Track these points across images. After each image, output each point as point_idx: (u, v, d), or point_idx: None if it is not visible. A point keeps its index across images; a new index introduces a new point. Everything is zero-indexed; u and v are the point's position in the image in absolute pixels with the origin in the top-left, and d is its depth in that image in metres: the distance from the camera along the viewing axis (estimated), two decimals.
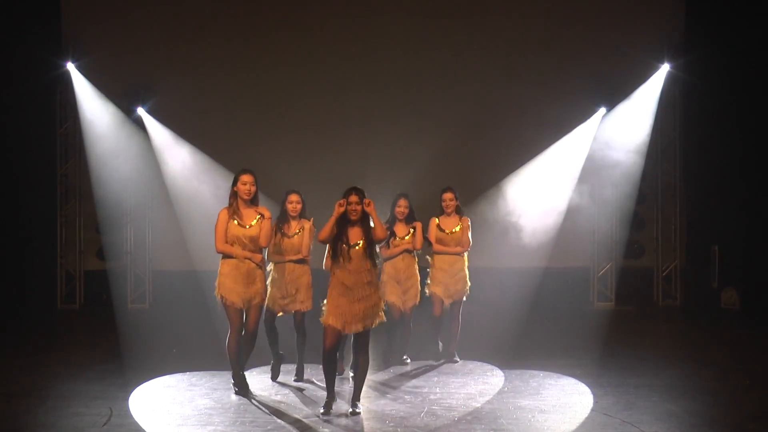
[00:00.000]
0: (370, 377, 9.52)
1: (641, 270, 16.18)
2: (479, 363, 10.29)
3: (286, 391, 8.89)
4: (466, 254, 10.35)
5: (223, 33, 15.51)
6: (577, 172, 15.40)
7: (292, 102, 15.48)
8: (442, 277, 10.17)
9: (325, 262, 8.08)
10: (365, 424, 7.70)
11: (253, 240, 8.59)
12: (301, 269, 9.27)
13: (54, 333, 13.41)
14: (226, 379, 9.38)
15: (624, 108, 15.44)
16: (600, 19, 15.51)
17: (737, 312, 14.67)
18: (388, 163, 14.94)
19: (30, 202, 15.24)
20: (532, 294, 14.43)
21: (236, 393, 8.65)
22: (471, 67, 15.62)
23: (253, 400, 8.46)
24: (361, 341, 8.00)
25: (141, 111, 15.35)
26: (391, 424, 7.61)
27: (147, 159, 15.41)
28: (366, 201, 7.72)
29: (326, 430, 7.44)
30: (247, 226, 8.60)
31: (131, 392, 8.79)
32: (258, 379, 9.42)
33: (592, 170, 15.41)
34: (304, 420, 7.75)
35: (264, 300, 8.81)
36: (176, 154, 15.41)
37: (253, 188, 8.66)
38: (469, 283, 10.32)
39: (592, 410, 8.07)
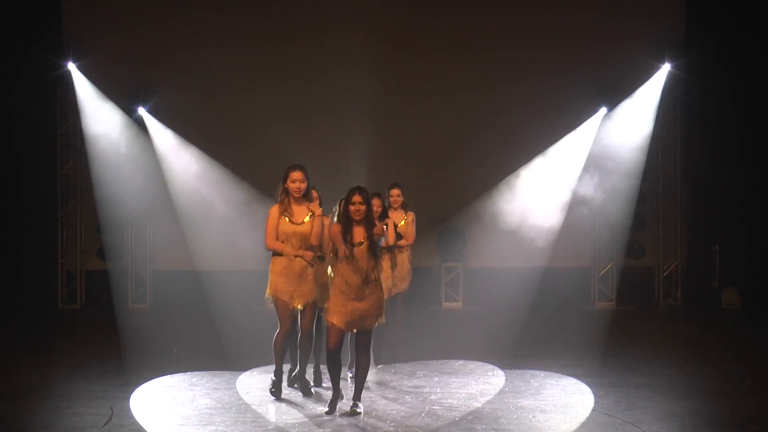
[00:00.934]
0: (370, 377, 9.52)
1: (642, 270, 16.17)
2: (480, 363, 10.28)
3: (287, 391, 8.88)
4: (409, 248, 10.36)
5: (224, 33, 15.49)
6: (578, 172, 15.40)
7: (293, 101, 15.46)
8: (385, 269, 10.04)
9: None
10: (366, 423, 7.69)
11: (304, 237, 8.43)
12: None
13: (55, 333, 13.40)
14: (226, 379, 9.40)
15: (625, 108, 15.43)
16: (600, 20, 15.50)
17: (738, 312, 14.66)
18: (390, 162, 14.93)
19: (31, 202, 15.24)
20: (533, 294, 14.42)
21: (272, 392, 8.55)
22: (471, 67, 15.62)
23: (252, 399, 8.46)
24: (363, 340, 7.99)
25: (142, 111, 15.35)
26: (392, 424, 7.60)
27: (148, 159, 15.41)
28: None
29: (327, 430, 7.43)
30: (299, 223, 8.47)
31: (132, 392, 8.78)
32: (258, 379, 9.41)
33: (593, 170, 15.40)
34: (305, 420, 7.74)
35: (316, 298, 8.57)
36: (177, 155, 15.41)
37: (303, 185, 8.45)
38: (410, 279, 10.24)
39: (593, 410, 8.06)
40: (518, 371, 9.76)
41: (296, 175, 8.47)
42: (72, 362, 10.37)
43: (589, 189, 15.44)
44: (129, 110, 15.36)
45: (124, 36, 15.33)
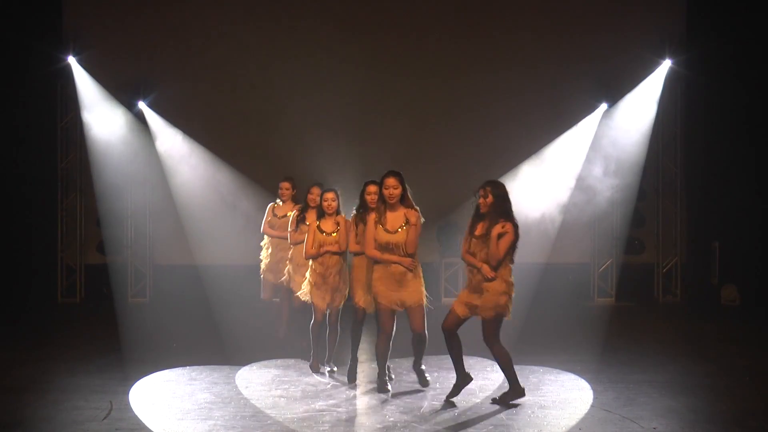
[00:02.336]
0: (370, 373, 9.54)
1: (642, 266, 16.16)
2: (479, 359, 10.28)
3: (287, 386, 8.90)
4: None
5: (225, 26, 15.48)
6: (578, 168, 15.39)
7: (293, 96, 15.44)
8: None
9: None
10: (364, 419, 7.71)
11: (399, 245, 8.43)
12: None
13: (54, 327, 13.39)
14: (226, 373, 9.41)
15: (625, 104, 15.41)
16: (601, 16, 15.47)
17: (737, 308, 14.66)
18: (389, 160, 14.91)
19: (30, 196, 15.23)
20: (533, 290, 14.39)
21: (381, 388, 8.65)
22: (471, 62, 15.61)
23: (253, 395, 8.47)
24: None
25: (142, 105, 15.33)
26: (391, 419, 7.62)
27: (148, 153, 15.40)
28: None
29: (326, 423, 7.45)
30: (393, 232, 8.44)
31: (131, 386, 8.80)
32: (258, 374, 9.43)
33: (592, 166, 15.40)
34: (304, 415, 7.75)
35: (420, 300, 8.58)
36: (177, 149, 15.40)
37: (396, 191, 8.42)
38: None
39: (592, 406, 8.08)
40: (517, 367, 9.69)
41: (390, 181, 8.48)
42: (71, 356, 10.38)
43: (588, 185, 15.43)
44: (129, 104, 15.34)
45: (124, 30, 15.32)
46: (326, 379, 9.22)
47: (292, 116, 15.49)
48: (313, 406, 8.08)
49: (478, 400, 8.32)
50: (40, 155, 15.47)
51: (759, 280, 14.32)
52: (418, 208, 8.53)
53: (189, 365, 9.81)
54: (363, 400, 8.43)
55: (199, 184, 15.02)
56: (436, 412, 7.88)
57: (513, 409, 7.97)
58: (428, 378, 8.95)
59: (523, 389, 8.16)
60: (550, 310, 14.27)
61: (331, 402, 8.23)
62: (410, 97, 15.48)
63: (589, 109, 15.45)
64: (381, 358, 8.66)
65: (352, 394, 8.64)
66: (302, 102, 15.41)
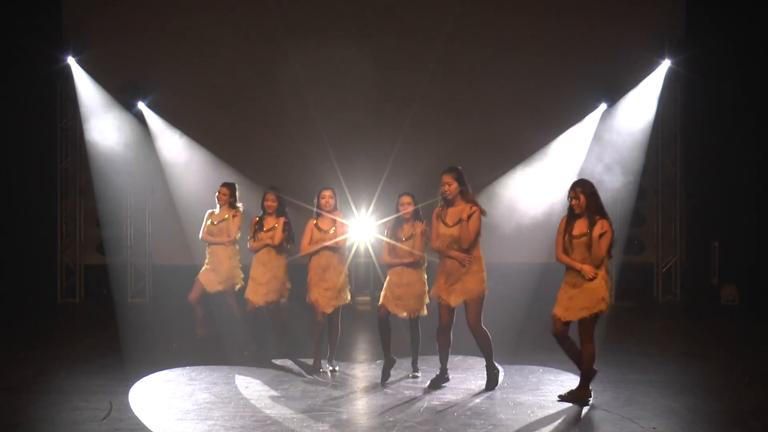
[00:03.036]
0: (369, 373, 9.55)
1: (641, 266, 16.17)
2: (479, 358, 10.27)
3: (286, 385, 8.90)
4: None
5: (224, 25, 15.48)
6: (578, 167, 15.40)
7: (294, 97, 15.45)
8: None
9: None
10: (363, 419, 7.71)
11: (456, 240, 8.59)
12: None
13: (54, 327, 13.41)
14: (225, 373, 9.42)
15: (625, 104, 15.43)
16: (601, 15, 15.50)
17: (737, 308, 14.67)
18: (387, 159, 14.92)
19: (30, 197, 15.25)
20: (533, 289, 14.39)
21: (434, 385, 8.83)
22: (470, 63, 15.63)
23: (252, 395, 8.48)
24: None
25: (141, 105, 15.34)
26: (390, 418, 7.62)
27: (147, 153, 15.41)
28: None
29: (325, 423, 7.45)
30: (451, 226, 8.62)
31: (131, 386, 8.80)
32: (259, 373, 9.43)
33: (592, 165, 15.41)
34: (303, 414, 7.76)
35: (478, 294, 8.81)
36: (176, 149, 15.42)
37: (451, 187, 8.64)
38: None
39: (592, 406, 8.08)
40: (517, 367, 9.78)
41: (445, 178, 8.72)
42: (71, 356, 10.39)
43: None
44: (129, 105, 15.36)
45: (124, 30, 15.34)
46: (326, 379, 9.22)
47: (292, 116, 15.50)
48: (312, 405, 8.08)
49: (478, 400, 8.33)
50: (39, 156, 15.48)
51: (759, 280, 14.31)
52: (476, 203, 8.66)
53: (188, 365, 9.82)
54: (363, 399, 8.44)
55: (198, 184, 15.02)
56: (436, 411, 7.88)
57: (513, 408, 7.98)
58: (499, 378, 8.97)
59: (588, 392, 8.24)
60: (550, 310, 14.23)
61: (331, 402, 8.23)
62: (411, 97, 15.46)
63: (589, 108, 15.47)
64: (441, 352, 8.93)
65: (352, 394, 8.65)
66: (304, 102, 15.40)
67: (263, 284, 10.06)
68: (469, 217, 8.51)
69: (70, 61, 15.10)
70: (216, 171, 15.20)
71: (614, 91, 15.41)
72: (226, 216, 10.69)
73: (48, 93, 15.60)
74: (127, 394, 8.49)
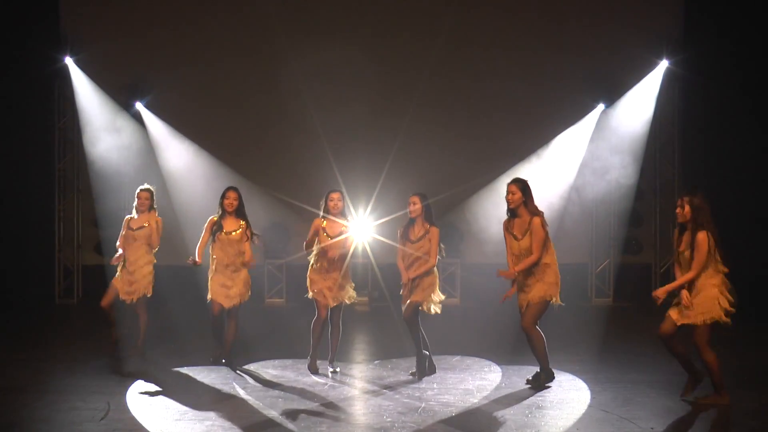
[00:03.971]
0: (367, 373, 9.55)
1: (639, 266, 16.16)
2: (477, 359, 10.31)
3: (284, 386, 8.90)
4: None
5: (222, 27, 15.47)
6: (576, 168, 15.41)
7: (292, 97, 15.44)
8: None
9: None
10: (362, 419, 7.71)
11: (527, 250, 8.80)
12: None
13: (52, 327, 13.40)
14: (223, 374, 9.42)
15: (622, 104, 15.44)
16: (599, 16, 15.49)
17: (734, 308, 14.62)
18: (385, 157, 14.93)
19: (28, 197, 15.22)
20: None
21: None
22: (468, 63, 15.64)
23: (250, 395, 8.47)
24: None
25: (139, 106, 15.34)
26: (389, 419, 7.62)
27: (145, 154, 15.40)
28: None
29: (324, 424, 7.45)
30: (521, 237, 8.83)
31: (129, 387, 8.80)
32: (255, 375, 9.43)
33: (590, 166, 15.42)
34: (302, 415, 7.75)
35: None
36: (174, 149, 15.41)
37: (515, 197, 8.79)
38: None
39: (590, 406, 8.09)
40: (515, 367, 9.78)
41: (510, 187, 8.86)
42: (69, 357, 10.38)
43: (586, 185, 15.45)
44: (126, 105, 15.35)
45: (121, 31, 15.33)
46: (324, 380, 9.22)
47: (292, 117, 15.49)
48: (311, 406, 8.08)
49: (476, 400, 8.33)
50: (37, 156, 15.46)
51: (756, 280, 14.31)
52: (537, 212, 8.76)
53: (187, 365, 9.82)
54: (361, 400, 8.44)
55: (196, 184, 15.00)
56: (434, 412, 7.88)
57: (510, 408, 7.98)
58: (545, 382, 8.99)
59: None
60: (549, 310, 14.23)
61: (329, 402, 8.23)
62: (409, 97, 15.44)
63: (587, 108, 15.47)
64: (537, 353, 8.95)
65: (350, 394, 8.65)
66: (302, 103, 15.38)
67: (231, 287, 9.89)
68: (530, 226, 8.69)
69: (68, 61, 15.09)
70: (214, 171, 15.19)
71: (612, 91, 15.41)
72: (146, 223, 10.46)
73: (46, 93, 15.56)
74: (124, 394, 8.49)
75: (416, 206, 9.26)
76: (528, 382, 8.94)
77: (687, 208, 8.32)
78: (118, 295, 10.49)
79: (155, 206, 10.69)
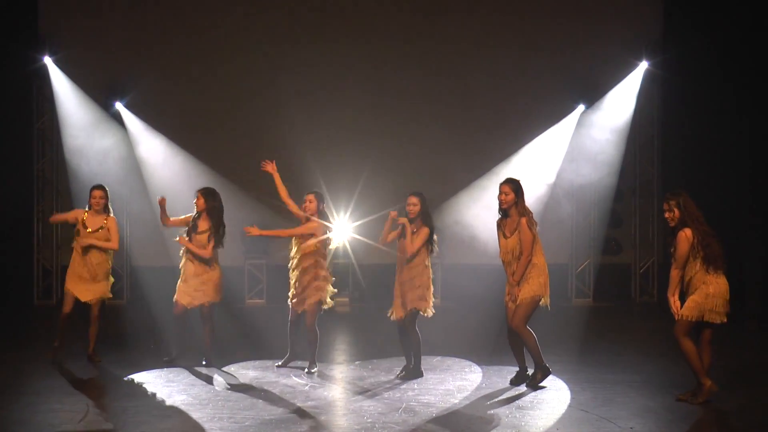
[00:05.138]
0: (348, 374, 9.54)
1: (619, 267, 16.24)
2: (457, 359, 10.32)
3: (265, 387, 8.87)
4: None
5: (201, 27, 15.44)
6: (556, 168, 15.45)
7: (272, 95, 15.41)
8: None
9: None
10: (342, 420, 7.70)
11: (514, 249, 8.88)
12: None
13: (30, 329, 13.31)
14: (203, 375, 9.37)
15: (602, 105, 15.50)
16: (579, 18, 15.55)
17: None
18: (366, 162, 14.93)
19: (6, 198, 15.09)
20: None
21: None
22: (447, 64, 15.66)
23: (230, 395, 8.44)
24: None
25: (119, 105, 15.27)
26: (369, 419, 7.61)
27: (124, 154, 15.32)
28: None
29: (304, 425, 7.43)
30: (509, 236, 8.91)
31: (108, 389, 8.74)
32: (235, 376, 9.40)
33: (570, 167, 15.47)
34: (282, 416, 7.73)
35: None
36: (154, 149, 15.35)
37: (507, 197, 8.87)
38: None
39: (570, 406, 8.10)
40: (496, 368, 9.79)
41: (503, 188, 8.93)
42: (48, 358, 10.30)
43: (566, 185, 15.49)
44: (106, 105, 15.28)
45: (101, 30, 15.27)
46: (305, 381, 9.20)
47: (272, 117, 15.45)
48: (291, 407, 8.06)
49: (456, 400, 8.33)
50: (16, 156, 15.34)
51: (735, 280, 14.35)
52: (526, 213, 8.88)
53: (167, 367, 9.77)
54: (342, 401, 8.42)
55: (176, 184, 14.93)
56: (415, 412, 7.88)
57: (491, 409, 7.99)
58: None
59: None
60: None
61: (309, 403, 8.21)
62: (390, 99, 15.46)
63: (567, 110, 15.52)
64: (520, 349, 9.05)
65: (330, 395, 8.63)
66: (283, 103, 15.37)
67: (195, 287, 9.83)
68: (518, 226, 8.79)
69: (47, 61, 15.00)
70: (193, 171, 15.15)
71: (592, 92, 15.47)
72: (103, 224, 10.23)
73: (24, 93, 15.45)
74: (104, 396, 8.43)
75: (416, 207, 9.29)
76: (511, 382, 8.96)
77: (676, 211, 8.32)
78: (74, 298, 10.20)
79: (110, 206, 10.40)
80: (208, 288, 9.83)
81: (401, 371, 9.39)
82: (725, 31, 14.27)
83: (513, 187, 8.87)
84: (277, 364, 9.81)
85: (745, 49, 14.00)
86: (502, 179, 9.09)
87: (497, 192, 8.95)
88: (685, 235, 8.29)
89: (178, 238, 10.03)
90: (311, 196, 9.70)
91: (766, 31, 13.66)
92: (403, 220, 9.20)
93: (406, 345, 9.42)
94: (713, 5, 14.55)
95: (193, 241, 9.86)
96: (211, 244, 9.81)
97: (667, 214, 8.44)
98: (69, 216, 10.49)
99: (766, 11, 13.63)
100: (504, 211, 8.93)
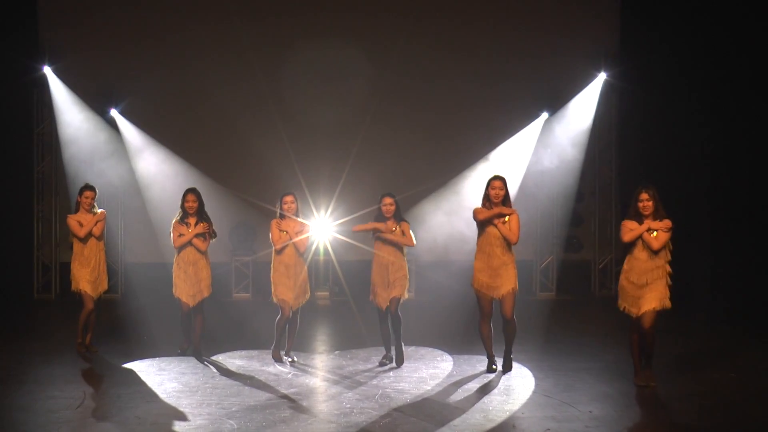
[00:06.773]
0: (328, 363, 9.56)
1: (580, 263, 16.32)
2: (430, 349, 10.36)
3: (251, 374, 8.88)
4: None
5: (196, 36, 15.33)
6: (522, 171, 15.51)
7: (267, 102, 15.36)
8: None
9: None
10: (323, 406, 7.72)
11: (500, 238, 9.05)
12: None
13: (30, 322, 13.24)
14: (193, 364, 9.38)
15: (564, 112, 15.59)
16: (544, 31, 15.54)
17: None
18: (346, 161, 14.92)
19: (8, 198, 15.01)
20: None
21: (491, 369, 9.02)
22: (415, 71, 15.58)
23: (218, 383, 8.44)
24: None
25: (114, 112, 15.21)
26: (348, 405, 7.63)
27: (119, 158, 15.26)
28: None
29: (288, 410, 7.45)
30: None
31: (104, 377, 8.73)
32: (222, 365, 9.39)
33: (534, 170, 15.54)
34: (266, 402, 7.74)
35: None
36: (148, 153, 15.30)
37: (501, 192, 9.09)
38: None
39: (534, 392, 8.16)
40: (465, 356, 9.84)
41: (496, 183, 9.14)
42: (47, 348, 10.28)
43: (531, 188, 15.55)
44: (102, 111, 15.22)
45: (97, 41, 15.16)
46: (287, 369, 9.21)
47: (258, 121, 15.40)
48: (275, 394, 8.07)
49: (429, 387, 8.36)
50: (17, 160, 15.26)
51: (683, 276, 14.47)
52: (514, 208, 9.15)
53: (158, 357, 9.76)
54: (322, 388, 8.45)
55: (169, 186, 14.88)
56: (390, 398, 7.91)
57: (461, 394, 8.03)
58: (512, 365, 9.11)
59: None
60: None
61: (292, 390, 8.23)
62: (369, 100, 15.34)
63: (533, 116, 15.61)
64: (486, 340, 9.06)
65: (312, 382, 8.65)
66: (268, 107, 15.32)
67: (194, 284, 9.81)
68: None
69: (46, 70, 14.94)
70: (185, 172, 15.10)
71: (555, 100, 15.56)
72: (97, 220, 10.40)
73: (25, 101, 15.38)
74: (100, 384, 8.42)
75: (392, 207, 9.41)
76: (493, 370, 9.01)
77: (653, 201, 8.59)
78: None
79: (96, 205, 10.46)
80: (203, 286, 9.84)
81: (383, 359, 9.42)
82: (679, 45, 14.40)
83: (504, 183, 9.09)
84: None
85: (697, 61, 14.13)
86: (484, 178, 9.31)
87: (485, 186, 9.17)
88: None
89: (183, 238, 9.86)
90: (291, 198, 9.64)
91: (718, 44, 13.80)
92: (389, 236, 9.34)
93: (385, 335, 9.44)
94: (667, 20, 14.67)
95: (193, 240, 9.81)
96: (209, 240, 9.83)
97: (649, 202, 8.55)
98: (73, 227, 10.70)
99: (718, 25, 13.77)
100: (495, 205, 9.05)
